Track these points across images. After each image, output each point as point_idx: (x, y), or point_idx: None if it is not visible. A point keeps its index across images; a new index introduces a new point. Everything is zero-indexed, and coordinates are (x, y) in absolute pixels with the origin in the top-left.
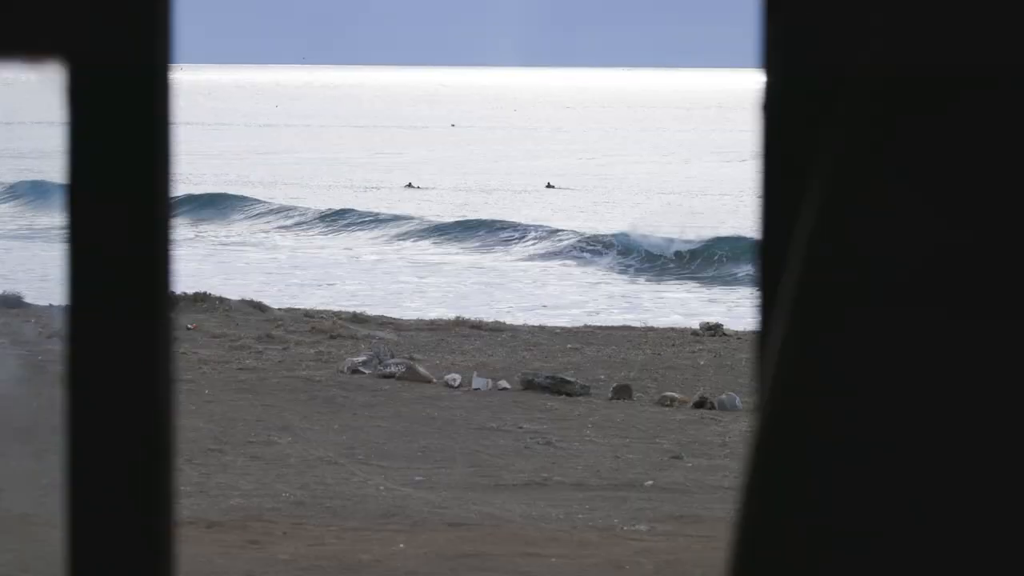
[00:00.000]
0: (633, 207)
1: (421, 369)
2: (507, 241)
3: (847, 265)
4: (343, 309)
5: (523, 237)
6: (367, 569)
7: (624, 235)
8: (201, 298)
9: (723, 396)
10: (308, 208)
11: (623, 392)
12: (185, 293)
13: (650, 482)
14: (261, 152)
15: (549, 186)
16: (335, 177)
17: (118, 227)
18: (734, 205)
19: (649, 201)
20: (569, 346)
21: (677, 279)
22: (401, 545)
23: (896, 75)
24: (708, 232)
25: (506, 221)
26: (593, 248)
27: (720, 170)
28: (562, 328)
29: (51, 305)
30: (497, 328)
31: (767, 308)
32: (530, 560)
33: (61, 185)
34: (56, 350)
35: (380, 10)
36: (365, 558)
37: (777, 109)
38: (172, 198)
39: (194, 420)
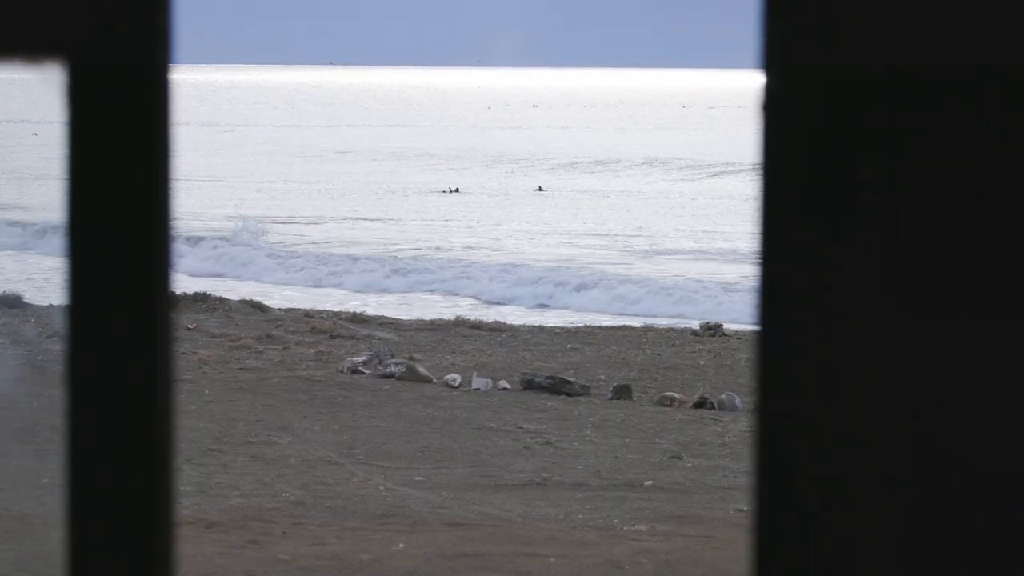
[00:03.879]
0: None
1: (421, 369)
2: None
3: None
4: (343, 309)
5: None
6: (367, 569)
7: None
8: (201, 298)
9: (723, 396)
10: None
11: (623, 392)
12: (185, 293)
13: (650, 482)
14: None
15: (540, 190)
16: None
17: (118, 227)
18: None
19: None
20: (569, 346)
21: None
22: (401, 545)
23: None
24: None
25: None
26: None
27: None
28: (562, 328)
29: (51, 305)
30: (497, 328)
31: (767, 308)
32: (529, 560)
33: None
34: (56, 350)
35: (378, 10)
36: (365, 558)
37: (777, 109)
38: (172, 198)
39: (194, 420)
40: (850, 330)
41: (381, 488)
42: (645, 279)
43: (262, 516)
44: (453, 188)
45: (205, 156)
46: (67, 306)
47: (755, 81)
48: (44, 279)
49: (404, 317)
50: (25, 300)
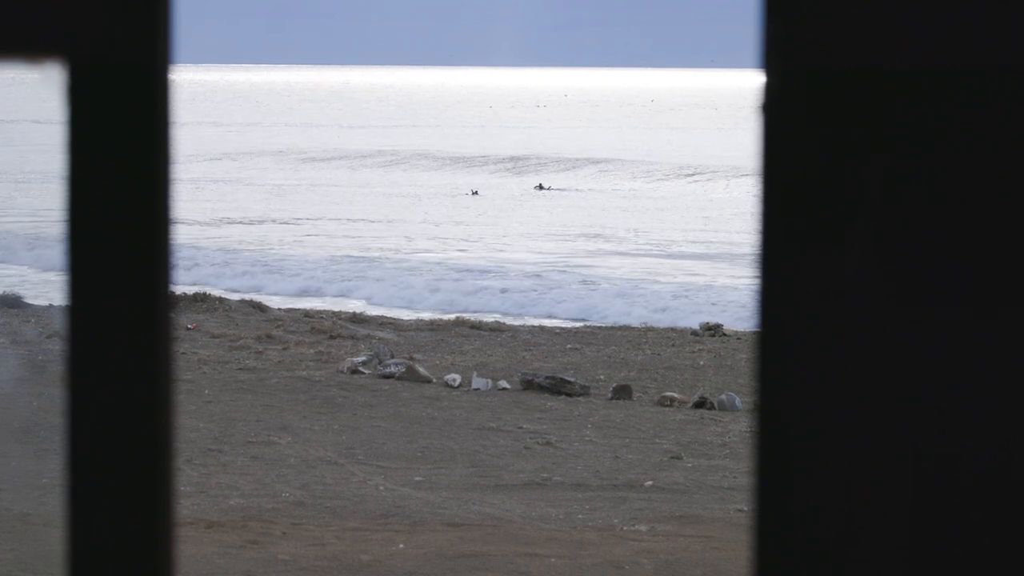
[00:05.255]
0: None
1: (421, 369)
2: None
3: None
4: (343, 309)
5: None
6: (367, 569)
7: None
8: (201, 298)
9: (723, 396)
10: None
11: (623, 392)
12: (185, 293)
13: (650, 482)
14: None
15: (540, 187)
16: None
17: (118, 227)
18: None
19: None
20: (569, 346)
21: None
22: (401, 545)
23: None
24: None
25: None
26: None
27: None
28: (562, 328)
29: (51, 305)
30: (497, 328)
31: (767, 309)
32: (529, 560)
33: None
34: (56, 350)
35: (380, 10)
36: (365, 558)
37: (777, 109)
38: (172, 197)
39: (194, 420)
40: (849, 330)
41: (381, 488)
42: (646, 279)
43: (262, 516)
44: (474, 191)
45: (211, 157)
46: (67, 306)
47: (755, 81)
48: (43, 281)
49: (404, 317)
50: (25, 300)
